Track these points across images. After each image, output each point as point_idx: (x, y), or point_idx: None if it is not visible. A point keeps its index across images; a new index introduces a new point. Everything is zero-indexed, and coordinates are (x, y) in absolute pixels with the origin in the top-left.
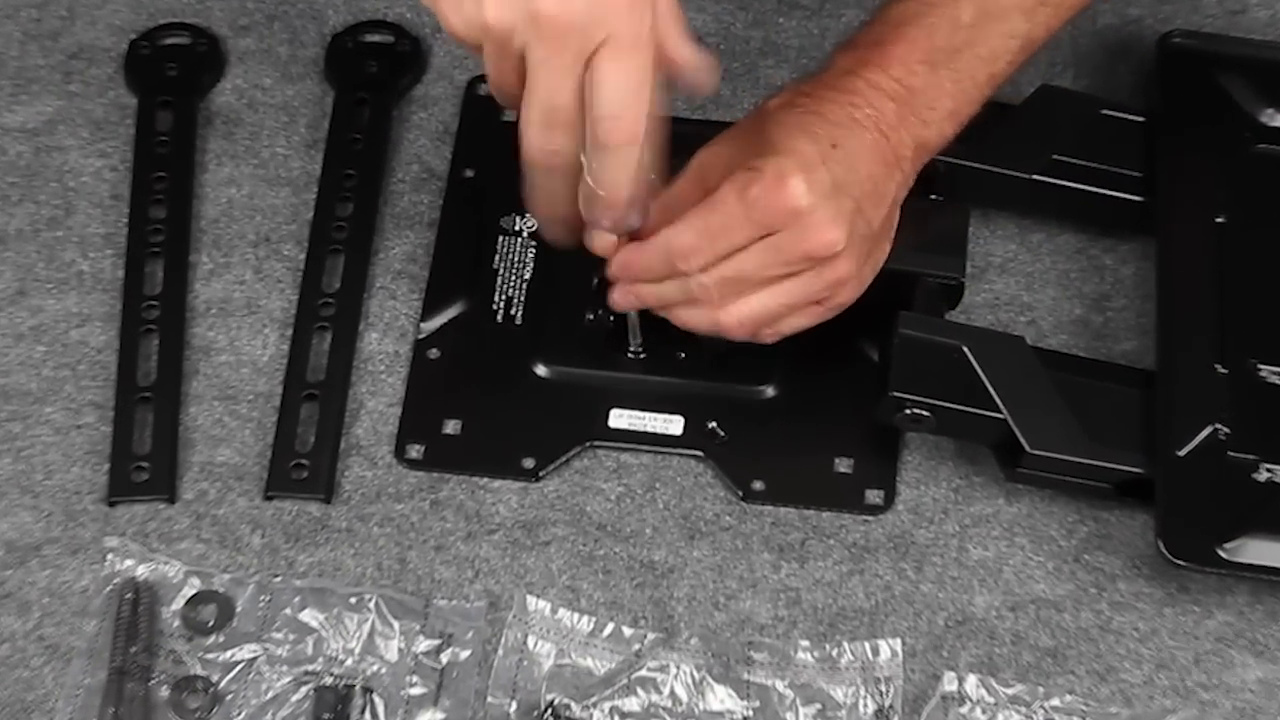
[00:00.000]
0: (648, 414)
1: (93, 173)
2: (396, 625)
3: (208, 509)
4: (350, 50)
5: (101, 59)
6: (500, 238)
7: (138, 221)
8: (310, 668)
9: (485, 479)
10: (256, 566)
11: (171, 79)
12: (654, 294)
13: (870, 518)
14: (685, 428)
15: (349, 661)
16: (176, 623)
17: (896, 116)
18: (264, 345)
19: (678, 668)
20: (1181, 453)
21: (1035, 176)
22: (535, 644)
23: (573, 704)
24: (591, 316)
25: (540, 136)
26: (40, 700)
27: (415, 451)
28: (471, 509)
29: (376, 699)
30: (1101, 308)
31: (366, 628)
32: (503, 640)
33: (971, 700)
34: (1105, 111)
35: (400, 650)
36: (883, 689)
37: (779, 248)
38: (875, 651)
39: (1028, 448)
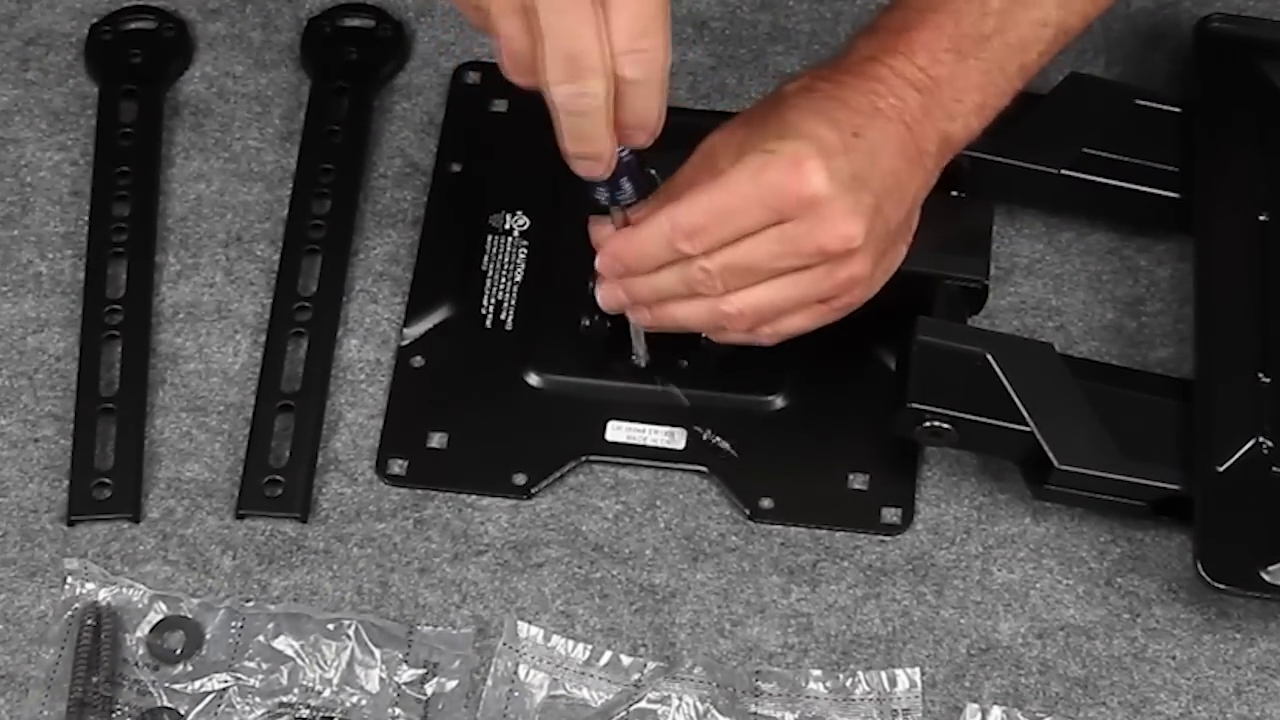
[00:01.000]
0: (648, 426)
1: (51, 167)
2: (378, 654)
3: (175, 529)
4: (328, 35)
5: (60, 45)
6: (489, 237)
7: (99, 220)
8: (285, 699)
9: (473, 496)
10: (227, 590)
11: (136, 66)
12: (648, 286)
13: (887, 538)
14: (688, 441)
15: (327, 693)
16: (141, 651)
17: (921, 109)
18: (235, 353)
19: (680, 699)
20: (1221, 468)
21: (1064, 171)
22: (527, 674)
23: None
24: (587, 321)
25: (568, 86)
26: None
27: (398, 467)
28: (458, 528)
29: None
30: (1136, 312)
31: (345, 656)
32: (492, 670)
33: None
34: (1139, 101)
35: (382, 680)
36: None
37: (792, 238)
38: (892, 682)
39: (1056, 463)
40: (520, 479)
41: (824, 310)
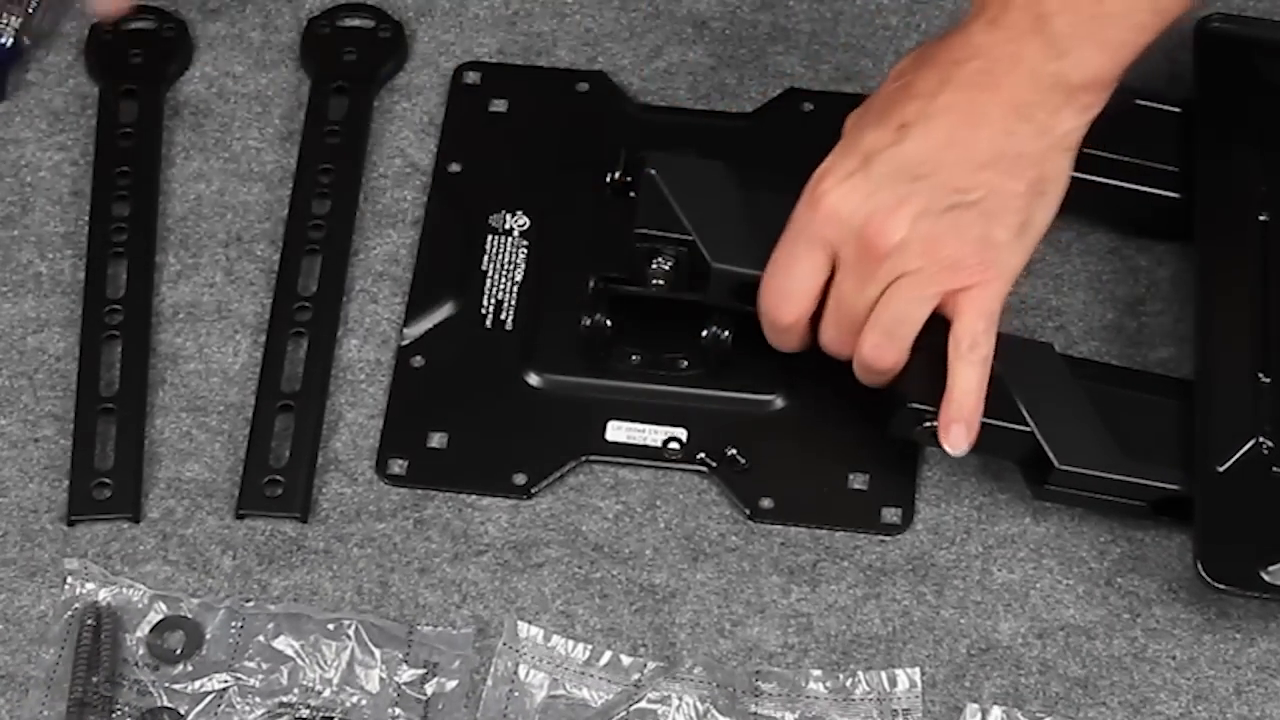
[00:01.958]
0: (648, 426)
1: (51, 167)
2: (378, 654)
3: (175, 529)
4: (328, 35)
5: (60, 45)
6: (489, 236)
7: (99, 220)
8: (285, 699)
9: (473, 496)
10: (227, 590)
11: (136, 66)
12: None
13: (887, 538)
14: (688, 441)
15: (327, 693)
16: (141, 651)
17: (1010, 59)
18: (235, 353)
19: (680, 699)
20: (1222, 468)
21: None
22: (527, 674)
23: None
24: (587, 321)
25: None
26: None
27: (398, 467)
28: (458, 528)
29: None
30: (1136, 312)
31: (345, 656)
32: (492, 670)
33: None
34: (1139, 101)
35: (382, 680)
36: None
37: (848, 262)
38: (892, 682)
39: (1056, 463)
40: (520, 479)
41: (970, 297)
